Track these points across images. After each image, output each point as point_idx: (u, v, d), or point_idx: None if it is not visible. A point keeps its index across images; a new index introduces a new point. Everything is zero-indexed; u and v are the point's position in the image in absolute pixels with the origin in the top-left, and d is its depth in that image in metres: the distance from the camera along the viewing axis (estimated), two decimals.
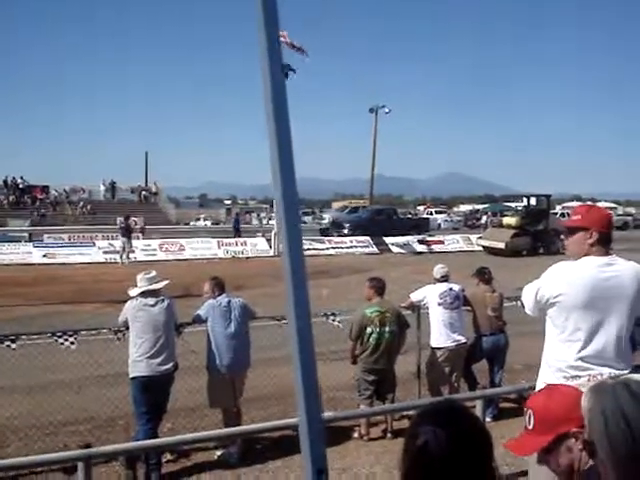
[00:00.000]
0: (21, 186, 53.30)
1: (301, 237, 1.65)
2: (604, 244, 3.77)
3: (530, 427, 2.22)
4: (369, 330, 7.45)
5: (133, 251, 29.27)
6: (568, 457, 2.13)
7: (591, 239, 3.77)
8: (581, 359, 3.65)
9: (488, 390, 7.55)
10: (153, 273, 7.10)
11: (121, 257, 28.57)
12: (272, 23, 1.63)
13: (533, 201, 36.25)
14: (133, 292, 6.95)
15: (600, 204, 50.44)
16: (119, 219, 36.70)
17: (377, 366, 7.52)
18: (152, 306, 6.80)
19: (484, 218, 56.41)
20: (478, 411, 5.73)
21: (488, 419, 7.60)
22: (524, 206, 37.55)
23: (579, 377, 3.57)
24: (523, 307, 4.09)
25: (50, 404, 7.74)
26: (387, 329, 7.48)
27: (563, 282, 3.73)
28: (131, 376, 6.69)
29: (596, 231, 3.76)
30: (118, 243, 29.88)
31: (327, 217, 47.79)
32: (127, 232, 29.31)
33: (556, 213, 46.22)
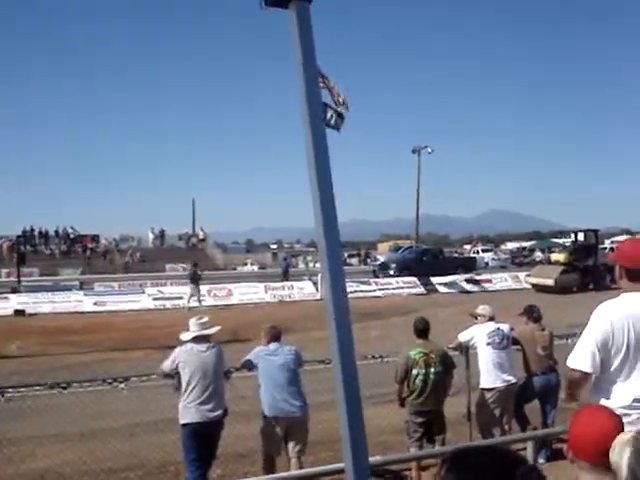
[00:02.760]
0: (72, 236, 54.66)
1: (345, 286, 1.65)
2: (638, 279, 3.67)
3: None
4: (415, 372, 7.37)
5: (193, 295, 29.39)
6: None
7: (619, 274, 3.75)
8: (631, 399, 3.55)
9: (539, 431, 7.39)
10: (205, 319, 7.11)
11: (198, 300, 29.07)
12: (311, 71, 1.67)
13: (581, 236, 35.82)
14: (185, 336, 6.95)
15: None
16: (178, 265, 38.43)
17: (425, 408, 7.41)
18: (204, 352, 6.83)
19: (538, 254, 55.61)
20: (529, 452, 5.63)
21: (541, 460, 7.44)
22: (572, 242, 37.09)
23: (629, 415, 3.46)
24: (576, 377, 3.71)
25: (101, 451, 7.81)
26: (433, 370, 7.38)
27: (607, 322, 3.63)
28: (181, 422, 6.70)
29: (622, 266, 3.72)
30: (185, 289, 30.66)
31: (381, 258, 47.67)
32: (195, 278, 29.78)
33: (605, 248, 45.43)
